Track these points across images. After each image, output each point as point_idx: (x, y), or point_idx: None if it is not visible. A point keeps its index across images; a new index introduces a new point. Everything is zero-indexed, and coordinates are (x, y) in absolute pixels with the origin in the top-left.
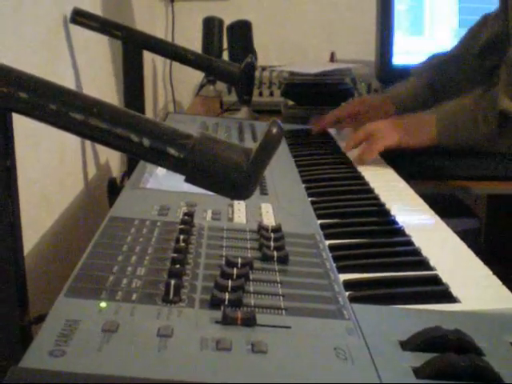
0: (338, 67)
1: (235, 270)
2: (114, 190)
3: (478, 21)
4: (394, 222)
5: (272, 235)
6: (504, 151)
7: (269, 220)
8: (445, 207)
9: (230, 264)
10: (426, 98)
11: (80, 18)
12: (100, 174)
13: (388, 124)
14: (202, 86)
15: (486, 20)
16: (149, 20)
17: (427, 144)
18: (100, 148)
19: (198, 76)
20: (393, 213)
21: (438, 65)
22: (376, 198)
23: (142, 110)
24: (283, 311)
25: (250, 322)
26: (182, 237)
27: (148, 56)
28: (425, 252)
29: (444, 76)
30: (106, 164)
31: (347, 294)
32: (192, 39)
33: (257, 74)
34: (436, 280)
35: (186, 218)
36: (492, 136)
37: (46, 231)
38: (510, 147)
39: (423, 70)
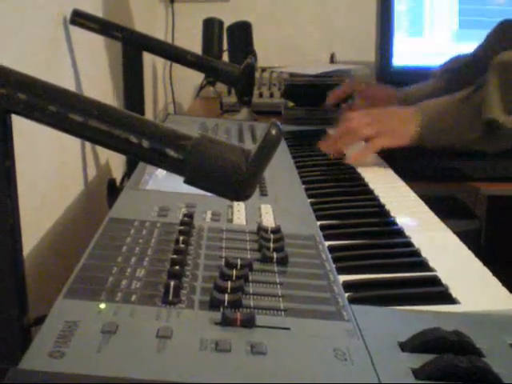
0: (338, 68)
1: (235, 272)
2: (113, 191)
3: (495, 27)
4: (394, 223)
5: (271, 236)
6: (491, 153)
7: (268, 221)
8: (445, 208)
9: (230, 265)
10: None
11: (79, 19)
12: (100, 175)
13: (365, 119)
14: (201, 87)
15: (503, 27)
16: (149, 21)
17: (408, 144)
18: (100, 149)
19: (198, 77)
20: (392, 214)
21: (458, 68)
22: (376, 199)
23: (141, 111)
24: (282, 312)
25: (249, 323)
26: (181, 238)
27: (148, 57)
28: (424, 253)
29: (462, 79)
30: (106, 165)
31: (346, 295)
32: (192, 40)
33: (257, 75)
34: (435, 281)
35: (186, 219)
36: (478, 141)
37: (45, 232)
38: (496, 150)
39: (443, 73)
